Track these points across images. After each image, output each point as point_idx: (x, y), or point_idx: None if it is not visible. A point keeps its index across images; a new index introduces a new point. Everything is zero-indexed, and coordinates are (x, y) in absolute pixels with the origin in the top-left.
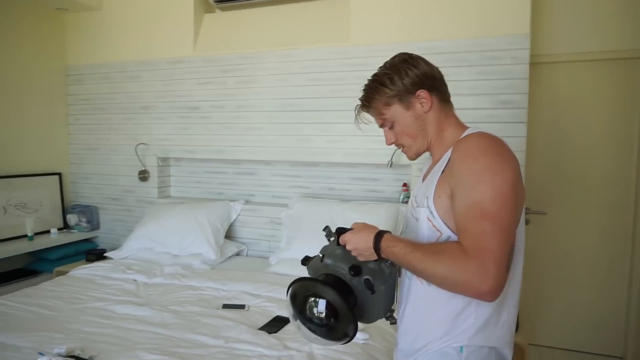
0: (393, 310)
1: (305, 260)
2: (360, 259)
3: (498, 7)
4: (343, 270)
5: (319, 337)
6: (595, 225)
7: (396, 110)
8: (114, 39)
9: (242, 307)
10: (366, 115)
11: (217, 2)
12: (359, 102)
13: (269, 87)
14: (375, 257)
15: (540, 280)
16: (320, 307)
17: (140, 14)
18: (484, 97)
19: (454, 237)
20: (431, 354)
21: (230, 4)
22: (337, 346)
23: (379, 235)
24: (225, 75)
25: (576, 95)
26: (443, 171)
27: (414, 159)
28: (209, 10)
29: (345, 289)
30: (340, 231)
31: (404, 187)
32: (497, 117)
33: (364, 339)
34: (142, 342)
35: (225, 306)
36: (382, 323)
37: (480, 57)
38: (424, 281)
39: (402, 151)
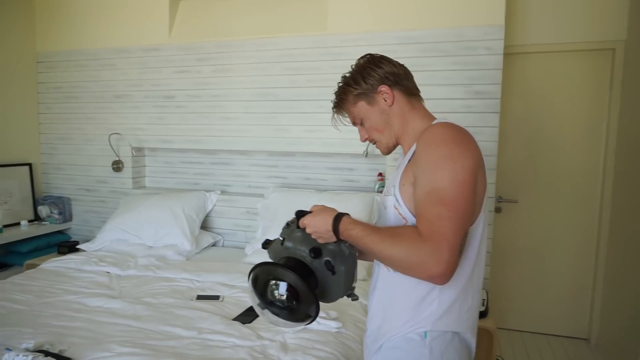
0: (354, 288)
1: (266, 244)
2: (320, 241)
3: None
4: (303, 252)
5: (282, 320)
6: (564, 214)
7: (362, 107)
8: (87, 25)
9: (216, 298)
10: (345, 117)
11: None
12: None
13: (246, 76)
14: (334, 239)
15: (510, 266)
16: (281, 290)
17: None
18: (458, 88)
19: None
20: (396, 339)
21: None
22: (311, 335)
23: (338, 217)
24: (201, 64)
25: (548, 86)
26: (409, 161)
27: (387, 154)
28: None
29: (306, 271)
30: (300, 214)
31: (379, 177)
32: (471, 108)
33: (337, 327)
34: (114, 335)
35: (200, 297)
36: (355, 311)
37: (455, 47)
38: (390, 268)
39: (376, 147)
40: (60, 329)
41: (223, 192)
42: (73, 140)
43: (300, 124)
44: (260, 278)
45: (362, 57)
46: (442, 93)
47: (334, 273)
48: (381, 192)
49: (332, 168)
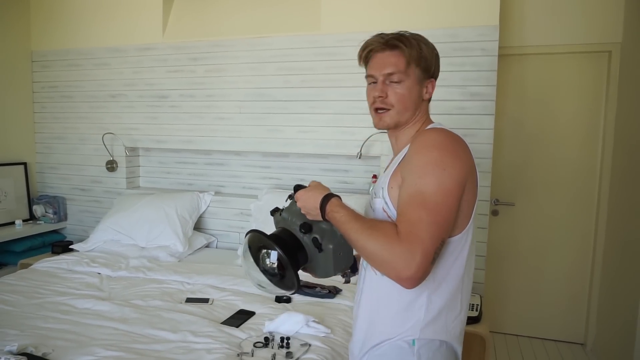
0: (349, 269)
1: (275, 211)
2: (309, 217)
3: None
4: (296, 226)
5: (269, 284)
6: (561, 217)
7: (415, 75)
8: (82, 24)
9: (206, 301)
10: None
11: None
12: (388, 39)
13: (239, 76)
14: (320, 217)
15: (507, 270)
16: (272, 259)
17: None
18: (453, 89)
19: None
20: (384, 346)
21: None
22: (299, 339)
23: (327, 197)
24: (194, 64)
25: (544, 88)
26: (399, 163)
27: (384, 127)
28: None
29: (297, 244)
30: (298, 188)
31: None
32: (466, 109)
33: (325, 333)
34: (99, 338)
35: (189, 300)
36: (345, 315)
37: (450, 48)
38: (377, 272)
39: (381, 114)
40: (46, 331)
41: (217, 193)
42: (68, 139)
43: (294, 125)
44: (253, 246)
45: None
46: (437, 94)
47: (320, 250)
48: None
49: (326, 169)
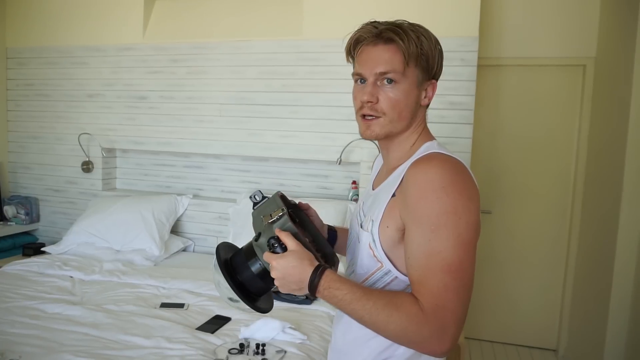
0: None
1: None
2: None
3: (448, 9)
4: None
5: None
6: (536, 225)
7: (413, 77)
8: (59, 21)
9: (181, 306)
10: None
11: None
12: (382, 30)
13: (220, 78)
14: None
15: (483, 277)
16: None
17: None
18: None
19: (395, 272)
20: None
21: None
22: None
23: (317, 270)
24: (175, 65)
25: (521, 99)
26: (394, 195)
27: (372, 138)
28: None
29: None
30: (286, 202)
31: (353, 185)
32: (445, 118)
33: (302, 339)
34: (69, 344)
35: (164, 305)
36: (321, 322)
37: None
38: None
39: (369, 122)
40: (14, 337)
41: (195, 196)
42: (43, 139)
43: (274, 129)
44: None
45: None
46: None
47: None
48: (355, 200)
49: (306, 174)
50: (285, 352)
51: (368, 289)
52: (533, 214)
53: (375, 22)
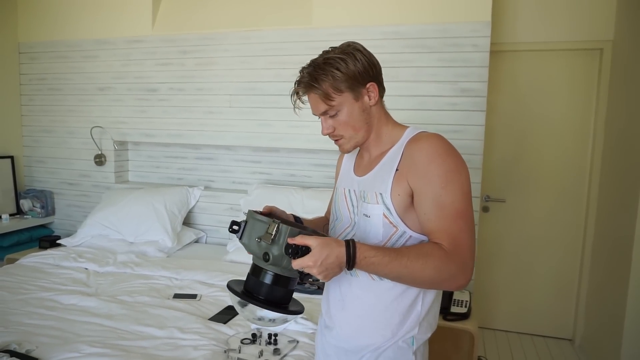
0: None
1: (234, 232)
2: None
3: None
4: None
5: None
6: (551, 213)
7: (346, 99)
8: (70, 15)
9: (194, 296)
10: (303, 101)
11: None
12: (301, 82)
13: (230, 69)
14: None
15: (497, 266)
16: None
17: None
18: (444, 85)
19: (409, 232)
20: (387, 350)
21: None
22: (286, 336)
23: (348, 246)
24: (184, 57)
25: (536, 84)
26: (397, 169)
27: (349, 152)
28: None
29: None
30: (268, 216)
31: None
32: (457, 105)
33: (314, 329)
34: (84, 334)
35: (177, 296)
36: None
37: (442, 43)
38: (375, 276)
39: (337, 143)
40: (31, 328)
41: (206, 188)
42: (55, 133)
43: (284, 120)
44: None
45: (344, 44)
46: (428, 90)
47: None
48: None
49: (316, 165)
50: (298, 342)
51: (396, 249)
52: (548, 202)
53: (303, 67)
